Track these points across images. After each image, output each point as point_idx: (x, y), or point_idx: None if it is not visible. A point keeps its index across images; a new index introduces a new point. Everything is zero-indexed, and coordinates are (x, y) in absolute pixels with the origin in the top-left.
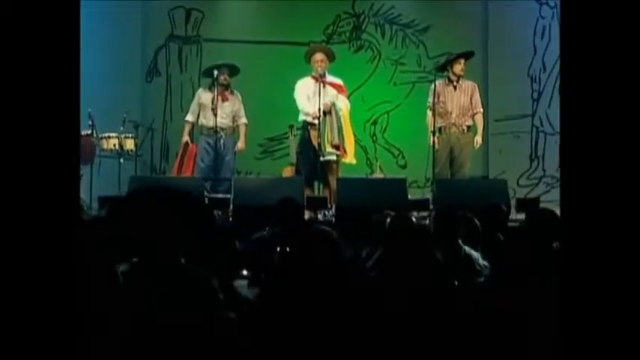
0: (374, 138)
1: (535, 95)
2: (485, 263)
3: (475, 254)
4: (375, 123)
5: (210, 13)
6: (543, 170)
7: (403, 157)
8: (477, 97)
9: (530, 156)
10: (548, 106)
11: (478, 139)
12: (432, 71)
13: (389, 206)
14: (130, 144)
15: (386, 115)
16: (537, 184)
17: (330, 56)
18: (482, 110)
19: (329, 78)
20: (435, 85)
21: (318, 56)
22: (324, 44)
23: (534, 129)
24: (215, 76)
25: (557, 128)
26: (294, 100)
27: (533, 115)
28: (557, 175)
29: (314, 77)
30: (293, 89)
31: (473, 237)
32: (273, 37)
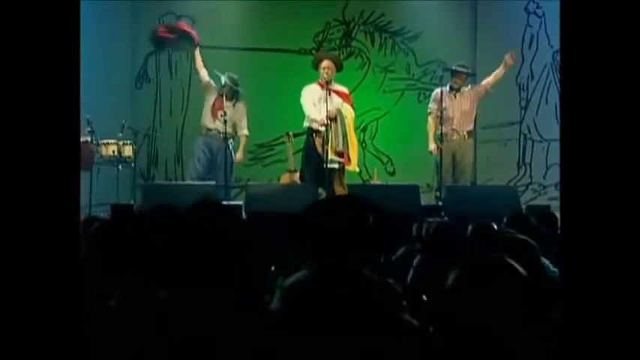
0: (363, 145)
1: (523, 103)
2: (556, 270)
3: (546, 261)
4: (364, 130)
5: (200, 20)
6: (530, 177)
7: (392, 164)
8: (479, 90)
9: (518, 163)
10: (536, 114)
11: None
12: (420, 79)
13: (404, 212)
14: (128, 151)
15: (375, 122)
16: (525, 191)
17: (338, 64)
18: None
19: (335, 86)
20: (442, 93)
21: (326, 63)
22: (314, 51)
23: (522, 136)
24: (223, 83)
25: (545, 136)
26: (283, 107)
27: (520, 123)
28: (545, 182)
29: (320, 84)
30: (282, 96)
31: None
32: (263, 44)
